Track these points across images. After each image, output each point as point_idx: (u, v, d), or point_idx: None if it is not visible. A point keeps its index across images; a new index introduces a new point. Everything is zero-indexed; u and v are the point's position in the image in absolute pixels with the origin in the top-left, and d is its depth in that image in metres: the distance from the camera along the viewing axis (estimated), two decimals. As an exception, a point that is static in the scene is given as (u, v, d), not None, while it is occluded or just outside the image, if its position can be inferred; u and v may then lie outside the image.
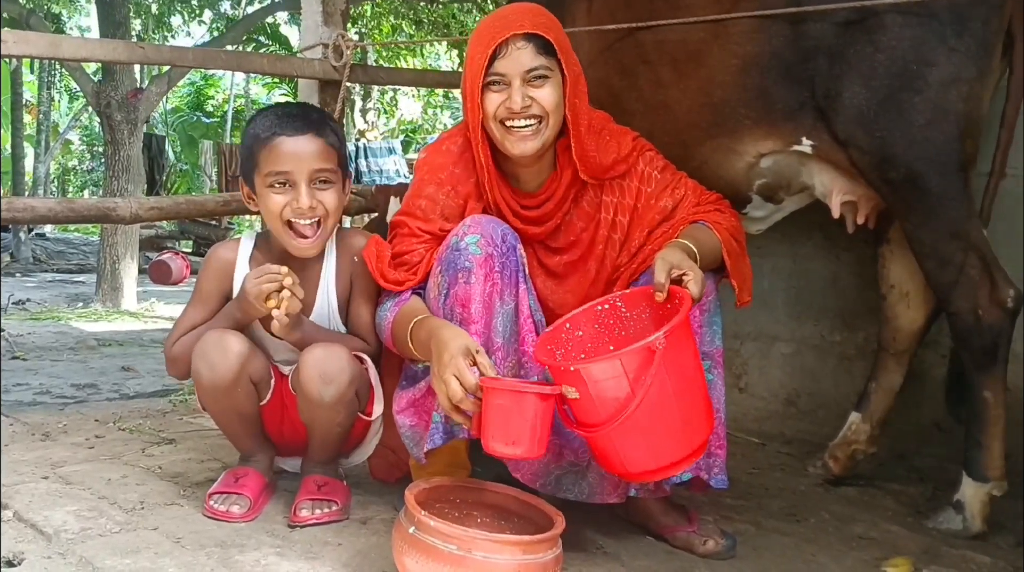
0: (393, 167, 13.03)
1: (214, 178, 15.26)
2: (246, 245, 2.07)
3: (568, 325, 1.71)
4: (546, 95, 1.77)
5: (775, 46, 2.18)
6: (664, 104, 2.40)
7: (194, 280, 2.08)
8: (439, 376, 1.58)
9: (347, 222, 5.45)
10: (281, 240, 1.95)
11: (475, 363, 1.56)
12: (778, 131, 2.24)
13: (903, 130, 2.05)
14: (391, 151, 13.62)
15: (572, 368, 1.51)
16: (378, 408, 1.99)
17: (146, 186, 12.94)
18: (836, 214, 2.30)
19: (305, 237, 1.93)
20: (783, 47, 2.17)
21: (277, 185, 1.90)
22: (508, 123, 1.78)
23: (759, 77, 2.22)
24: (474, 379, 1.53)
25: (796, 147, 2.24)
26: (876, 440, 2.51)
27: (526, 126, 1.78)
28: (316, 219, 1.93)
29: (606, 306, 1.73)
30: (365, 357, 1.95)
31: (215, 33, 12.61)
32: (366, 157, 12.93)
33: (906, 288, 2.44)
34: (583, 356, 1.68)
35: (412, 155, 14.35)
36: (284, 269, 1.84)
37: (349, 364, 1.86)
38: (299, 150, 1.89)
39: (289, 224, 1.93)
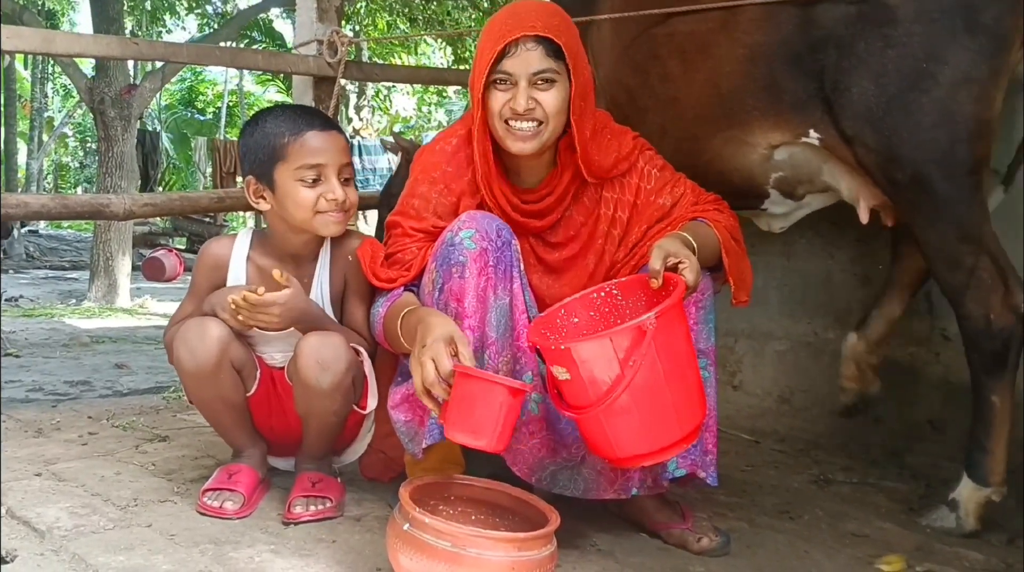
0: (387, 164, 13.10)
1: (208, 174, 15.22)
2: (242, 241, 2.07)
3: (563, 311, 1.71)
4: (550, 99, 1.77)
5: (784, 34, 2.15)
6: (674, 98, 2.38)
7: (188, 277, 2.08)
8: (417, 358, 1.57)
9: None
10: (309, 227, 1.96)
11: (456, 353, 1.56)
12: (786, 122, 2.21)
13: (910, 130, 2.01)
14: (385, 149, 13.68)
15: (563, 346, 1.51)
16: (372, 402, 1.99)
17: (140, 182, 12.90)
18: (864, 219, 2.25)
19: (337, 222, 1.97)
20: (792, 36, 2.14)
21: (308, 179, 1.92)
22: (510, 122, 1.79)
23: (767, 67, 2.18)
24: (449, 365, 1.53)
25: (804, 139, 2.20)
26: (877, 353, 2.56)
27: (526, 127, 1.79)
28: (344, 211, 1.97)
29: (602, 294, 1.72)
30: (361, 349, 1.96)
31: (206, 30, 12.58)
32: (360, 155, 13.01)
33: None
34: None
35: (406, 154, 14.34)
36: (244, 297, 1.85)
37: (346, 352, 1.88)
38: (328, 145, 1.94)
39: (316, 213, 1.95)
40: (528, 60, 1.75)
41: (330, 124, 1.99)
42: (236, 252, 2.05)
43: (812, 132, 2.18)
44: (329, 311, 2.04)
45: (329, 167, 1.93)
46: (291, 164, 1.92)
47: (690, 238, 1.75)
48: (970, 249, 2.05)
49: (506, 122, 1.79)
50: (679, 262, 1.63)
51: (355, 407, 1.99)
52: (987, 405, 2.10)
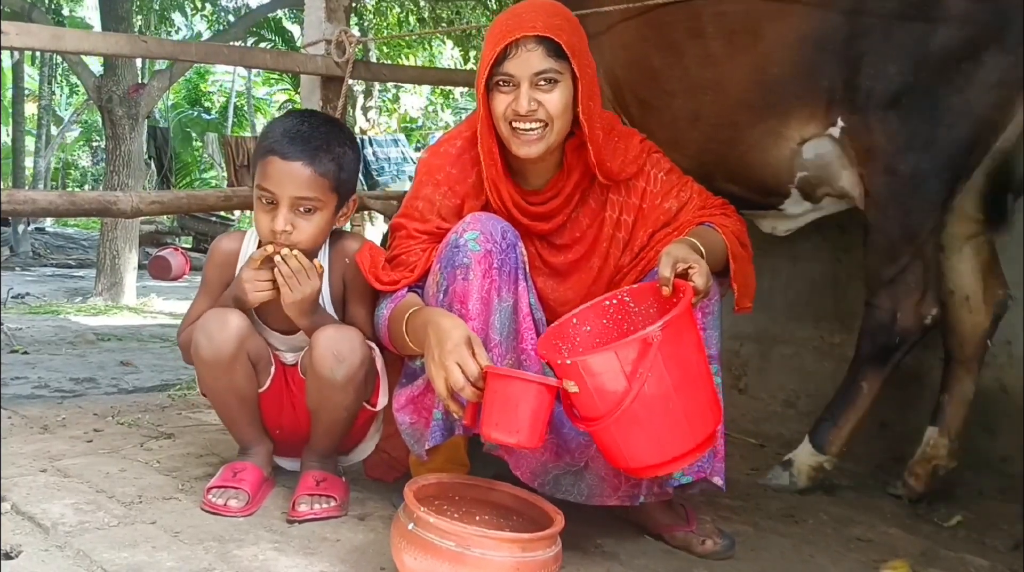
0: (399, 155, 13.51)
1: (224, 168, 15.25)
2: (252, 237, 2.06)
3: (575, 320, 1.71)
4: (553, 100, 1.75)
5: (836, 21, 2.13)
6: (716, 82, 2.32)
7: (194, 276, 2.08)
8: (439, 363, 1.57)
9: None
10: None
11: (473, 353, 1.56)
12: (820, 112, 2.20)
13: (931, 126, 2.02)
14: (396, 142, 14.10)
15: (569, 361, 1.51)
16: (382, 400, 1.99)
17: (155, 177, 12.98)
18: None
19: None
20: (842, 22, 2.12)
21: (264, 200, 1.88)
22: (514, 125, 1.77)
23: (814, 53, 2.16)
24: (476, 368, 1.54)
25: (831, 129, 2.20)
26: (956, 453, 2.38)
27: (531, 129, 1.77)
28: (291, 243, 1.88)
29: (614, 301, 1.72)
30: (373, 346, 1.95)
31: (213, 28, 12.62)
32: (372, 147, 13.36)
33: (966, 292, 2.33)
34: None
35: (414, 150, 14.67)
36: (268, 249, 1.87)
37: (361, 345, 1.88)
38: (283, 174, 1.85)
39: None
40: (529, 61, 1.73)
41: (301, 154, 1.84)
42: (245, 247, 2.05)
43: (839, 121, 2.17)
44: (331, 311, 2.03)
45: (280, 196, 1.84)
46: (257, 178, 1.89)
47: (698, 243, 1.74)
48: (912, 250, 2.14)
49: (511, 124, 1.78)
50: (689, 267, 1.62)
51: (366, 404, 1.99)
52: (855, 388, 2.28)
